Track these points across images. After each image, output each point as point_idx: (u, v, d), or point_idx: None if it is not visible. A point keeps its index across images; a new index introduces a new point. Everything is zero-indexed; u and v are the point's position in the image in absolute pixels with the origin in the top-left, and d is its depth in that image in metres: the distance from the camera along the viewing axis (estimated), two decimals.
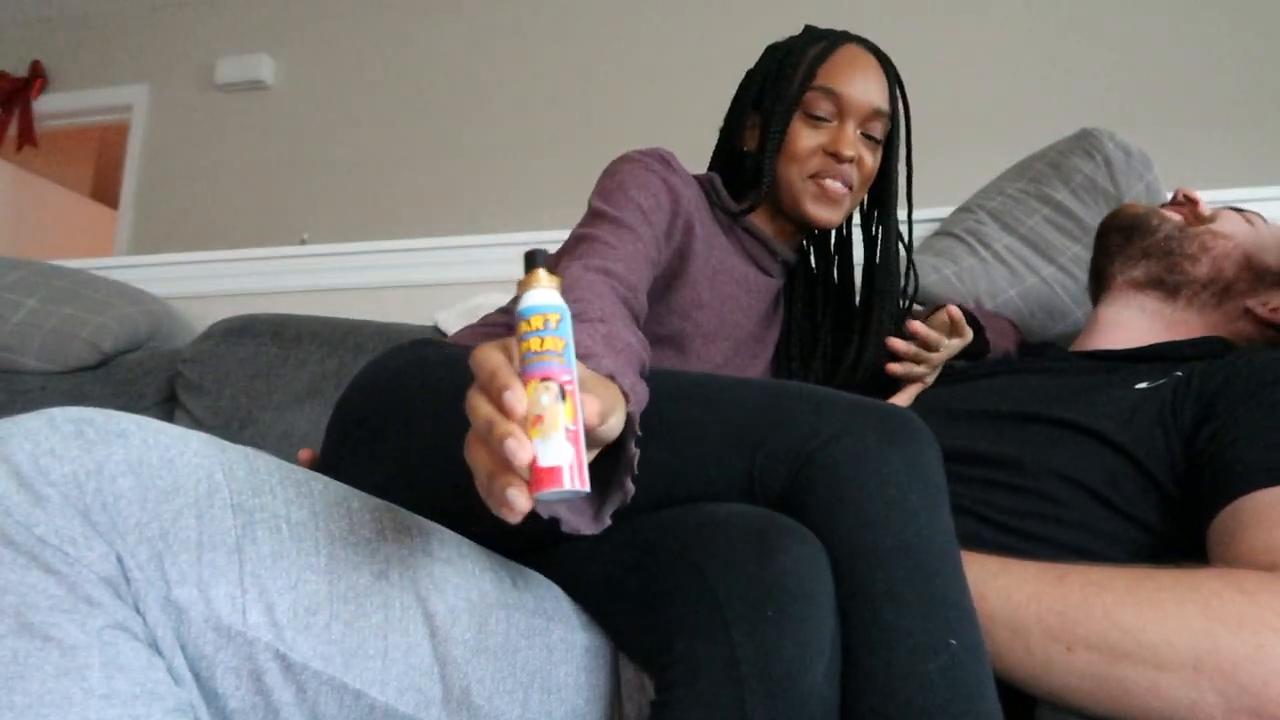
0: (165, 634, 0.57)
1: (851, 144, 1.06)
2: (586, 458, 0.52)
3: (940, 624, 0.63)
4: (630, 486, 0.60)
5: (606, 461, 0.62)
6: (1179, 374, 0.89)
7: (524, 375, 0.52)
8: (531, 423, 0.51)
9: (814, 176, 1.07)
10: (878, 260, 1.15)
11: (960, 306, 1.20)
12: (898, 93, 1.12)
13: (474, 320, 1.33)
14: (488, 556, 0.74)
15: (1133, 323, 1.06)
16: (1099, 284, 1.14)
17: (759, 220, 1.13)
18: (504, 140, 3.27)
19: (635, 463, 0.60)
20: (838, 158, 1.06)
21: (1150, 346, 1.00)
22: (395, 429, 0.83)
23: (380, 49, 3.53)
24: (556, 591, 0.75)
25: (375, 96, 3.48)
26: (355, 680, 0.61)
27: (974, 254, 1.43)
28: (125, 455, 0.58)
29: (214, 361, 1.58)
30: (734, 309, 1.09)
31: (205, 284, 2.06)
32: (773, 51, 1.14)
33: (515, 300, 0.55)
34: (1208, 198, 1.13)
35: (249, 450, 0.66)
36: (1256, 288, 1.04)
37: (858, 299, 1.18)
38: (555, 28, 3.35)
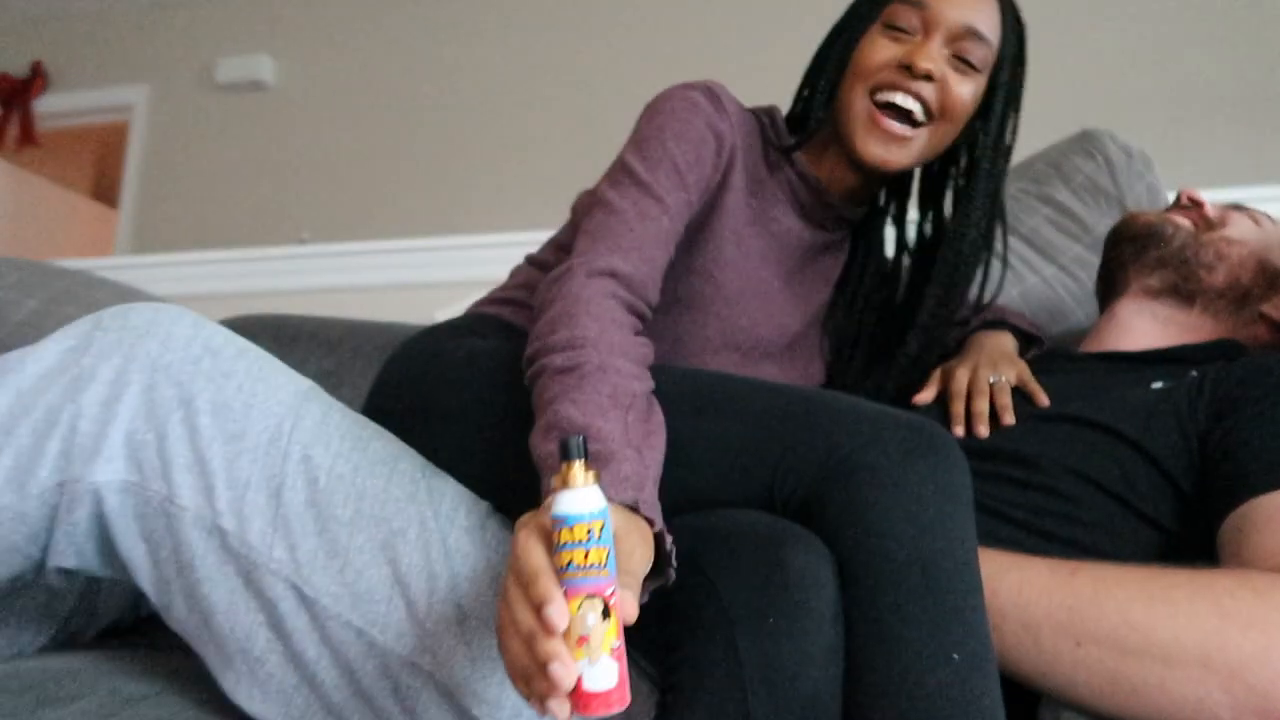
0: (209, 548, 0.69)
1: (931, 57, 0.89)
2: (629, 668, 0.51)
3: (945, 638, 0.63)
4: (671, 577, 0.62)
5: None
6: (1193, 374, 0.89)
7: (566, 589, 0.50)
8: (576, 642, 0.49)
9: (875, 93, 0.91)
10: (950, 237, 0.97)
11: (999, 315, 1.12)
12: (1009, 26, 0.93)
13: None
14: (510, 531, 0.76)
15: (1146, 328, 1.05)
16: (1110, 289, 1.12)
17: (813, 162, 0.99)
18: (503, 140, 3.27)
19: (672, 579, 0.62)
20: (911, 70, 0.89)
21: (1164, 349, 1.00)
22: (421, 428, 0.84)
23: (380, 49, 3.53)
24: None
25: (375, 96, 3.48)
26: (359, 619, 0.68)
27: None
28: (215, 395, 0.71)
29: None
30: (762, 264, 0.98)
31: (205, 284, 2.06)
32: None
33: (551, 494, 0.53)
34: (1208, 197, 1.12)
35: (331, 404, 0.78)
36: (1270, 292, 1.04)
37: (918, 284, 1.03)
38: (555, 28, 3.35)
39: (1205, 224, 1.07)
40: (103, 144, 4.81)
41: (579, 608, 0.49)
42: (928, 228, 1.05)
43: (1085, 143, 1.48)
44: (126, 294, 1.79)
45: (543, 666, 0.49)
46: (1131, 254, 1.08)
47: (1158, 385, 0.90)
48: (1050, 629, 0.70)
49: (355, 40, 3.58)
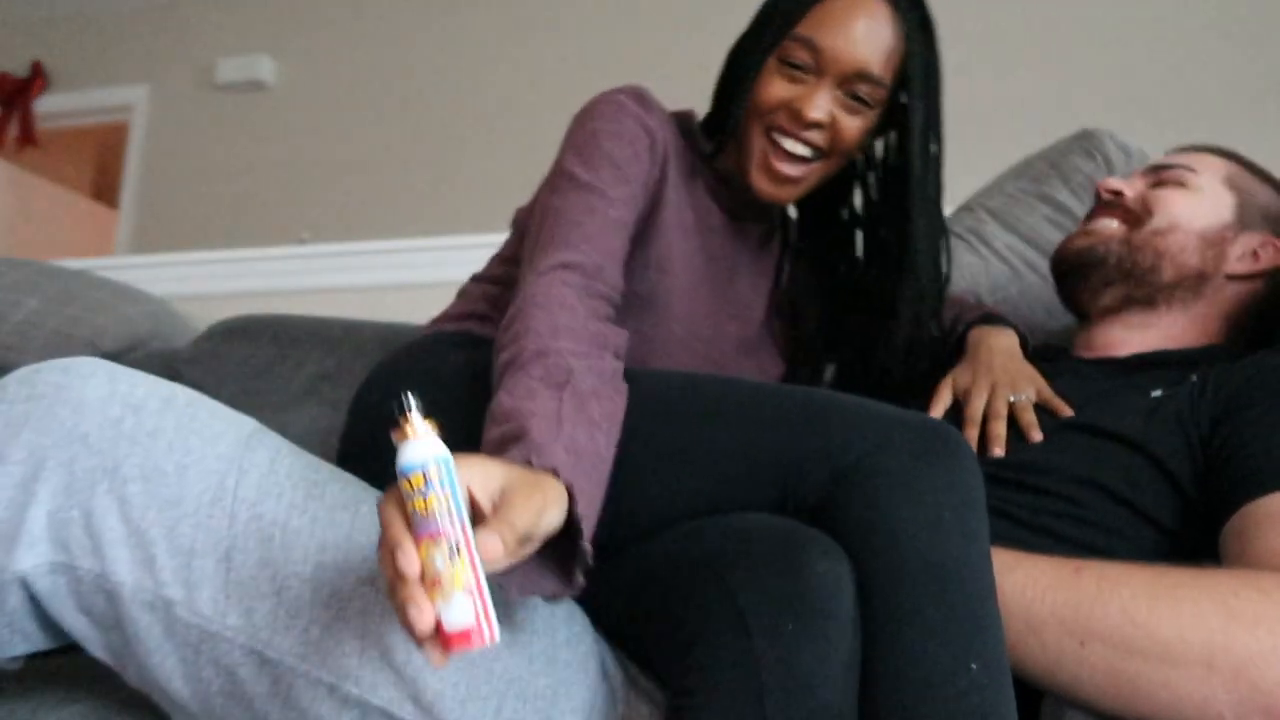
0: (153, 621, 0.64)
1: (819, 105, 0.91)
2: (492, 606, 0.52)
3: (962, 647, 0.63)
4: (582, 576, 0.62)
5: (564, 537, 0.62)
6: (1194, 379, 0.89)
7: (415, 535, 0.52)
8: (430, 585, 0.51)
9: (770, 133, 0.94)
10: (901, 260, 0.99)
11: (980, 307, 1.14)
12: (913, 54, 0.93)
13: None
14: None
15: (1127, 339, 1.03)
16: (1073, 309, 1.11)
17: (733, 162, 1.00)
18: (503, 140, 3.27)
19: (589, 555, 0.61)
20: (799, 119, 0.92)
21: (1160, 353, 0.99)
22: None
23: (380, 49, 3.53)
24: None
25: (375, 96, 3.48)
26: (330, 675, 0.65)
27: (974, 252, 1.43)
28: (143, 460, 0.65)
29: (214, 362, 1.58)
30: (707, 257, 1.00)
31: (205, 284, 2.06)
32: None
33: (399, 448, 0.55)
34: (1115, 182, 1.08)
35: (280, 447, 0.71)
36: (1224, 252, 1.00)
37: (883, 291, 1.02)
38: (554, 27, 3.35)
39: (1133, 220, 1.03)
40: (103, 144, 4.82)
41: (426, 552, 0.51)
42: (868, 246, 1.06)
43: (1085, 142, 1.48)
44: (126, 293, 1.79)
45: (403, 616, 0.51)
46: (1075, 284, 1.06)
47: (1157, 393, 0.90)
48: (1055, 627, 0.70)
49: (355, 40, 3.58)
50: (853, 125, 0.93)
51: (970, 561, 0.65)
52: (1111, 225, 1.03)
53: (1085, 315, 1.08)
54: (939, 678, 0.62)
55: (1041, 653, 0.70)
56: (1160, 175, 1.04)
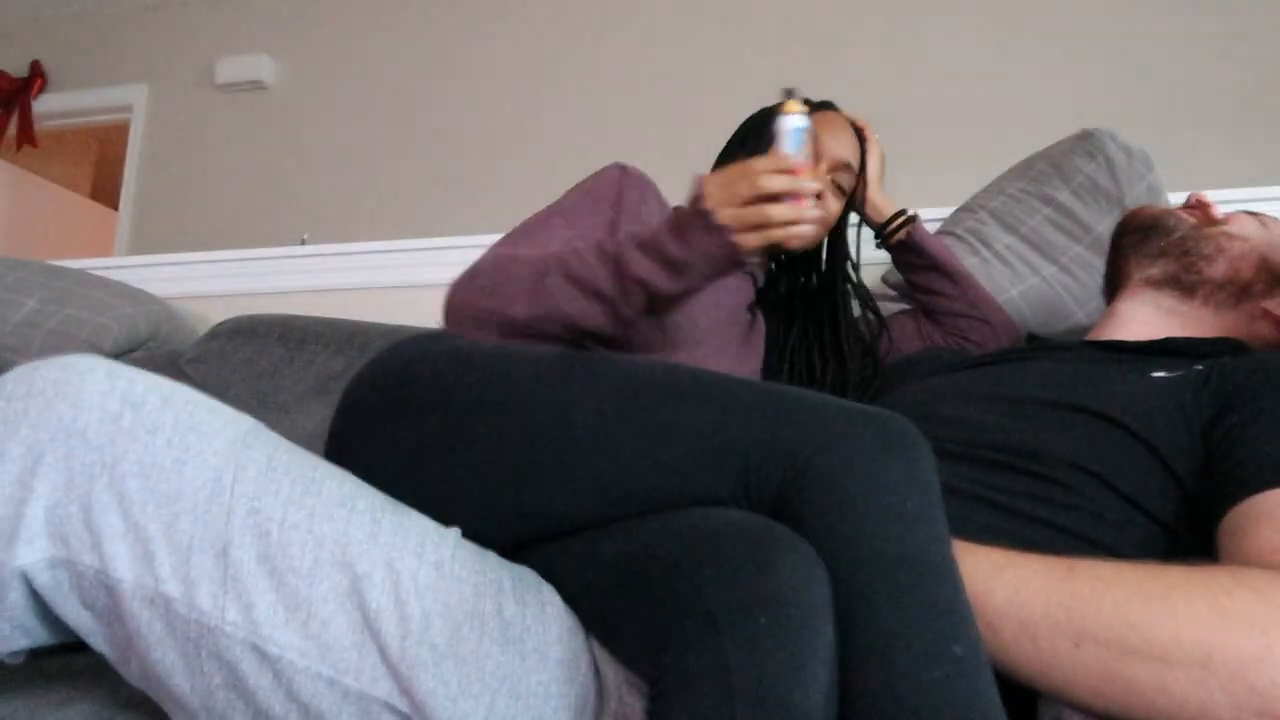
0: (154, 617, 0.65)
1: (819, 179, 1.22)
2: None
3: (943, 632, 0.62)
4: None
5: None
6: (1199, 368, 0.89)
7: (807, 165, 0.86)
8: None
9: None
10: (838, 301, 1.29)
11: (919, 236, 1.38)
12: (861, 159, 1.31)
13: None
14: (479, 559, 0.74)
15: (1149, 318, 1.06)
16: (1114, 282, 1.14)
17: None
18: (503, 140, 3.27)
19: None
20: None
21: (1165, 340, 1.00)
22: (401, 418, 0.84)
23: (380, 49, 3.53)
24: (544, 596, 0.75)
25: (375, 96, 3.48)
26: (330, 669, 0.65)
27: (975, 253, 1.43)
28: (142, 455, 0.66)
29: (219, 361, 1.58)
30: (722, 303, 1.19)
31: (205, 284, 2.06)
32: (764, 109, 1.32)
33: (781, 117, 0.93)
34: (1214, 199, 1.14)
35: (277, 444, 0.72)
36: (1274, 289, 1.04)
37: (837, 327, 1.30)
38: (556, 28, 3.35)
39: (1210, 222, 1.09)
40: (103, 144, 4.82)
41: (815, 171, 0.86)
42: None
43: (1085, 143, 1.48)
44: (126, 293, 1.78)
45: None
46: (1134, 244, 1.10)
47: (1158, 375, 0.90)
48: (1048, 629, 0.70)
49: (355, 40, 3.58)
50: (833, 207, 1.26)
51: (936, 550, 0.66)
52: (1189, 218, 1.11)
53: (1124, 284, 1.11)
54: (925, 662, 0.61)
55: (1035, 654, 0.70)
56: (1248, 212, 1.12)
